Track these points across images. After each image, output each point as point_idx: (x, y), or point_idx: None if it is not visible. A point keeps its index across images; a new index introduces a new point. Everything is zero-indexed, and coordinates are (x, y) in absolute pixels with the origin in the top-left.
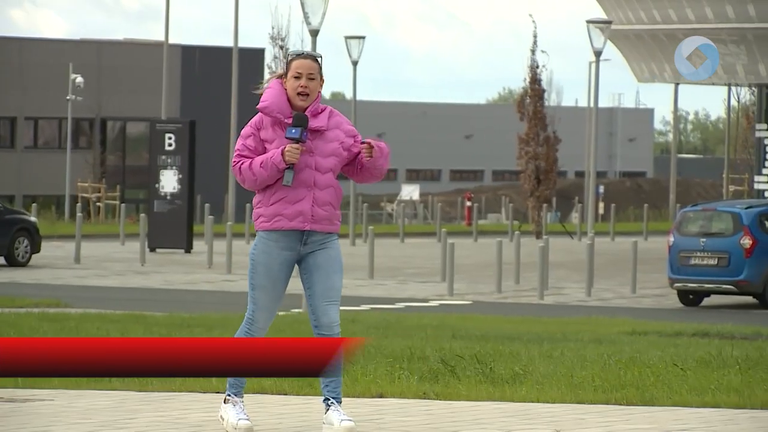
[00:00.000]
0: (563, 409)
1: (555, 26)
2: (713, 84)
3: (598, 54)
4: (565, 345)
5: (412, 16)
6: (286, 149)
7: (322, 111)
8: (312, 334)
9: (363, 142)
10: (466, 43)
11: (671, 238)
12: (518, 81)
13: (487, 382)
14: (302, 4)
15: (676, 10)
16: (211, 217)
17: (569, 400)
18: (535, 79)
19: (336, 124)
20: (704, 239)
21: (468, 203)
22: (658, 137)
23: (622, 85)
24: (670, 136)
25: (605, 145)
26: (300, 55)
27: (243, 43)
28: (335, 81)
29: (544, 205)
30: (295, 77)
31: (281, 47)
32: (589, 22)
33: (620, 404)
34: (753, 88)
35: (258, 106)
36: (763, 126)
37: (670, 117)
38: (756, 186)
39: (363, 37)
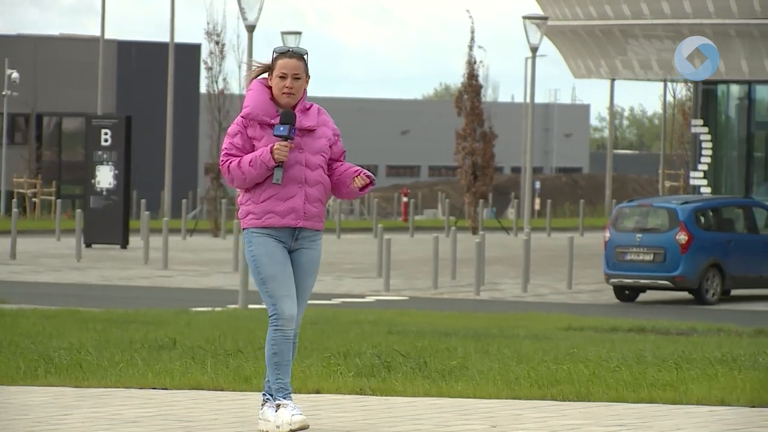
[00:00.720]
0: (499, 404)
1: (492, 22)
2: (649, 80)
3: (534, 50)
4: (501, 340)
5: (347, 11)
6: (274, 147)
7: (310, 108)
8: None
9: (360, 173)
10: (402, 38)
11: (607, 234)
12: (455, 77)
13: (423, 377)
14: (239, 0)
15: (612, 6)
16: (147, 212)
17: (505, 396)
18: (472, 75)
19: (323, 122)
20: (640, 235)
21: (404, 199)
22: (594, 133)
23: (559, 81)
24: (606, 132)
25: (541, 141)
26: (285, 54)
27: (179, 38)
28: None
29: (481, 200)
30: (280, 77)
31: (217, 43)
32: (525, 18)
33: (556, 400)
34: (689, 84)
35: (242, 114)
36: (699, 122)
37: (606, 113)
38: (692, 182)
39: (299, 33)
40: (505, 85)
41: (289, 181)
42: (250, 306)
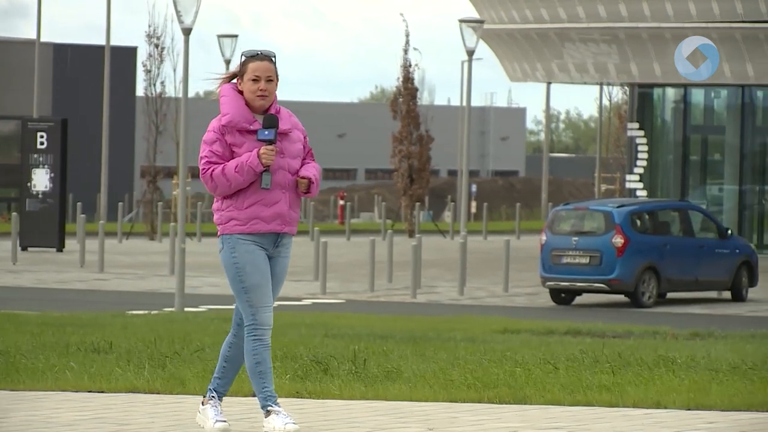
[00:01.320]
0: (436, 407)
1: (427, 25)
2: (585, 83)
3: (470, 53)
4: (437, 343)
5: (280, 14)
6: (261, 151)
7: (279, 111)
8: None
9: (301, 177)
10: (337, 41)
11: (543, 237)
12: (391, 80)
13: (359, 380)
14: (175, 3)
15: (548, 10)
16: (83, 215)
17: (442, 399)
18: (408, 78)
19: (294, 125)
20: (576, 238)
21: (341, 202)
22: (530, 136)
23: (495, 84)
24: (543, 135)
25: (478, 144)
26: (255, 57)
27: (115, 41)
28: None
29: (417, 203)
30: (253, 80)
31: (156, 46)
32: (461, 21)
33: (493, 403)
34: (625, 87)
35: (222, 123)
36: (635, 125)
37: (542, 116)
38: (627, 185)
39: (236, 36)
40: (441, 89)
41: (274, 186)
42: (187, 309)
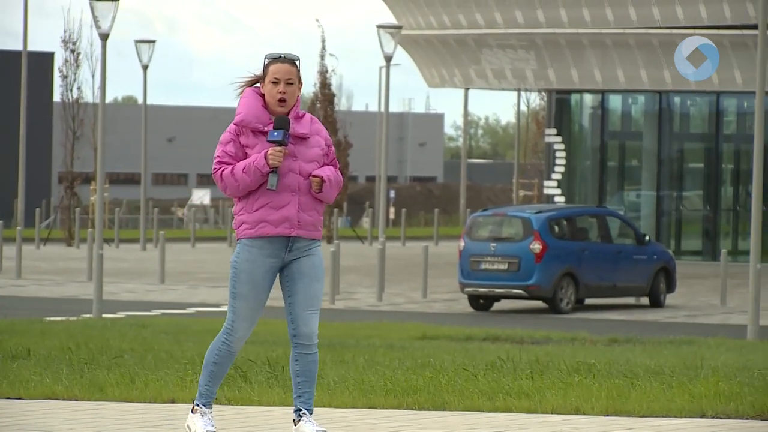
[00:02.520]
0: (355, 413)
1: (345, 30)
2: (503, 89)
3: (388, 59)
4: (356, 350)
5: (194, 19)
6: (269, 152)
7: (303, 116)
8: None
9: (313, 176)
10: (252, 47)
11: (462, 243)
12: (307, 86)
13: (278, 386)
14: (92, 8)
15: (466, 16)
16: (0, 221)
17: (360, 405)
18: (325, 84)
19: (316, 131)
20: (495, 244)
21: None
22: (448, 142)
23: (413, 90)
24: (461, 141)
25: (396, 150)
26: (277, 59)
27: (32, 47)
28: (126, 85)
29: (336, 210)
30: (273, 83)
31: (72, 51)
32: (379, 27)
33: (412, 409)
34: (542, 93)
35: (234, 121)
36: (553, 131)
37: (460, 122)
38: (546, 191)
39: (153, 41)
40: (359, 94)
41: (282, 190)
42: (105, 315)
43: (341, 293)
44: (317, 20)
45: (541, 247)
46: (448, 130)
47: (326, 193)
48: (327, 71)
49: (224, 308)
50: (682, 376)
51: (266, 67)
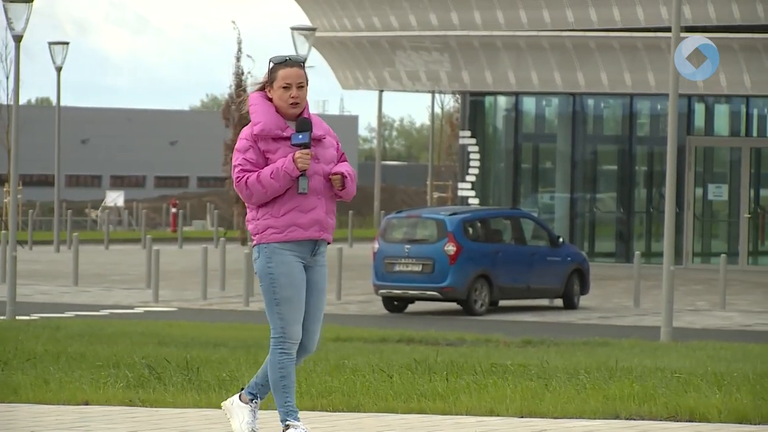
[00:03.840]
0: (270, 415)
1: (260, 32)
2: (417, 91)
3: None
4: None
5: (104, 21)
6: (296, 156)
7: (311, 117)
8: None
9: (334, 173)
10: (164, 48)
11: (376, 245)
12: (222, 87)
13: (193, 389)
14: (5, 10)
15: (380, 18)
16: None
17: (274, 407)
18: (240, 86)
19: (327, 131)
20: (409, 246)
21: (173, 210)
22: (362, 144)
23: (327, 92)
24: (375, 143)
25: None
26: (285, 63)
27: None
28: (39, 87)
29: None
30: (284, 87)
31: None
32: (293, 29)
33: (326, 410)
34: (456, 96)
35: (255, 131)
36: (467, 133)
37: (375, 124)
38: (460, 193)
39: (67, 43)
40: None
41: (310, 192)
42: (18, 317)
43: (255, 295)
44: (233, 22)
45: (455, 248)
46: (363, 132)
47: (348, 189)
48: (243, 73)
49: (138, 310)
50: (596, 377)
51: (273, 71)
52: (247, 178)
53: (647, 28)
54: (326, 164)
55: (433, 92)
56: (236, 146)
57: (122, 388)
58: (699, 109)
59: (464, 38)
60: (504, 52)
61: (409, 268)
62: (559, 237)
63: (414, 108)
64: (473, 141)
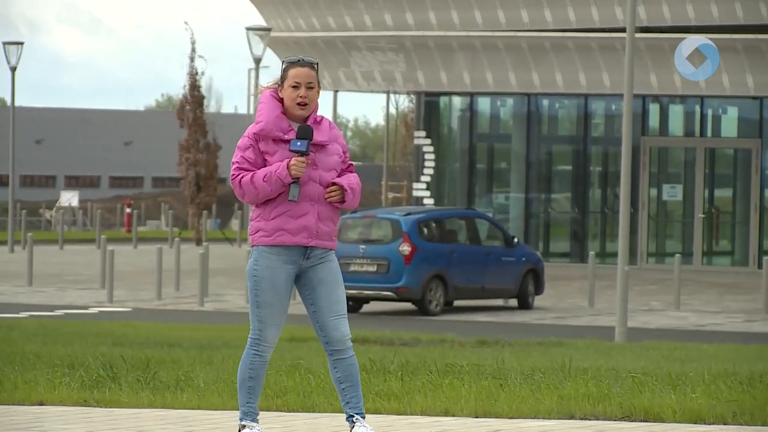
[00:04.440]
0: (224, 416)
1: (214, 32)
2: (372, 91)
3: (257, 61)
4: (225, 351)
5: (56, 21)
6: (291, 163)
7: (321, 121)
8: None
9: (332, 184)
10: (118, 49)
11: None
12: (177, 87)
13: (148, 389)
14: None
15: (335, 18)
16: None
17: (231, 407)
18: (194, 86)
19: (334, 137)
20: (364, 246)
21: (128, 210)
22: None
23: None
24: None
25: None
26: (297, 63)
27: None
28: None
29: (205, 211)
30: (294, 87)
31: None
32: (248, 29)
33: (281, 411)
34: (411, 96)
35: (255, 130)
36: (422, 133)
37: None
38: (415, 193)
39: (21, 43)
40: (228, 96)
41: (302, 199)
42: None
43: (210, 295)
44: (186, 22)
45: (410, 249)
46: None
47: (349, 202)
48: (197, 73)
49: (93, 310)
50: (551, 377)
51: (285, 71)
52: (242, 177)
53: (602, 28)
54: (326, 171)
55: (388, 92)
56: (238, 143)
57: (77, 388)
58: (653, 109)
59: (419, 38)
60: (459, 53)
61: (364, 269)
62: (514, 237)
63: (369, 108)
64: (428, 141)
